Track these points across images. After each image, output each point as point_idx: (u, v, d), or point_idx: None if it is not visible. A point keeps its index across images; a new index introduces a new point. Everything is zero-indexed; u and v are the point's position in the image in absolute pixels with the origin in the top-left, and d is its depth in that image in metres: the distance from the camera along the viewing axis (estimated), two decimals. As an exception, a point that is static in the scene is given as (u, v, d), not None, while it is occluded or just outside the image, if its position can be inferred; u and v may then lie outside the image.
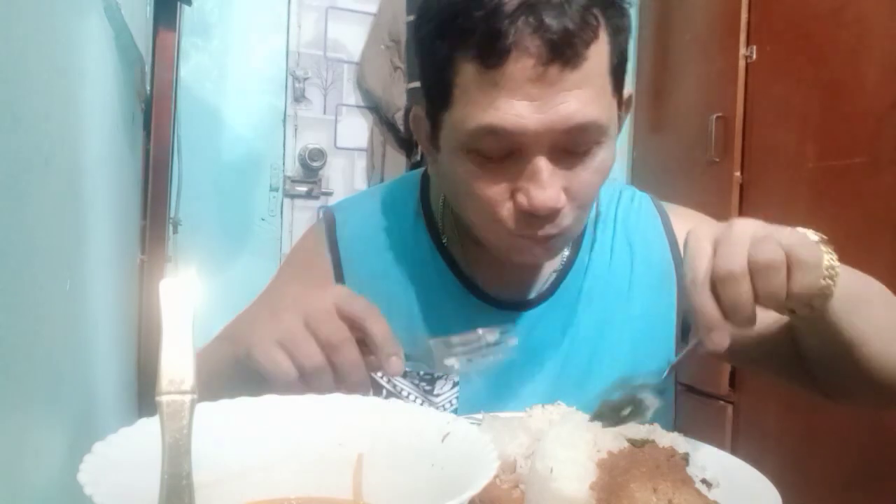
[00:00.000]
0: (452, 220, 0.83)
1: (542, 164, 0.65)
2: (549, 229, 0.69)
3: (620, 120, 0.74)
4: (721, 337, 0.57)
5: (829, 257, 0.59)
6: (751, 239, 0.56)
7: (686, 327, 0.84)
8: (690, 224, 0.84)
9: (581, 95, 0.64)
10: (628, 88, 0.73)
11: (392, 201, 0.87)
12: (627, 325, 0.82)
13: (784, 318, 0.76)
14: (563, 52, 0.62)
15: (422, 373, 0.79)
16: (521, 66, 0.62)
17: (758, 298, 0.57)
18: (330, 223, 0.86)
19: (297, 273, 0.87)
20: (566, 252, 0.83)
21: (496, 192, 0.68)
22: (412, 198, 0.86)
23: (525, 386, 0.80)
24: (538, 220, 0.68)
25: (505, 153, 0.66)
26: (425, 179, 0.88)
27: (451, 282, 0.82)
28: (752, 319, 0.57)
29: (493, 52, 0.62)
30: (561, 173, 0.67)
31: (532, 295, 0.82)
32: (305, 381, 0.58)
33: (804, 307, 0.61)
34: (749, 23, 2.09)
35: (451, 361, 0.64)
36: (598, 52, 0.64)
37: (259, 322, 0.61)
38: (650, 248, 0.84)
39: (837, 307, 0.63)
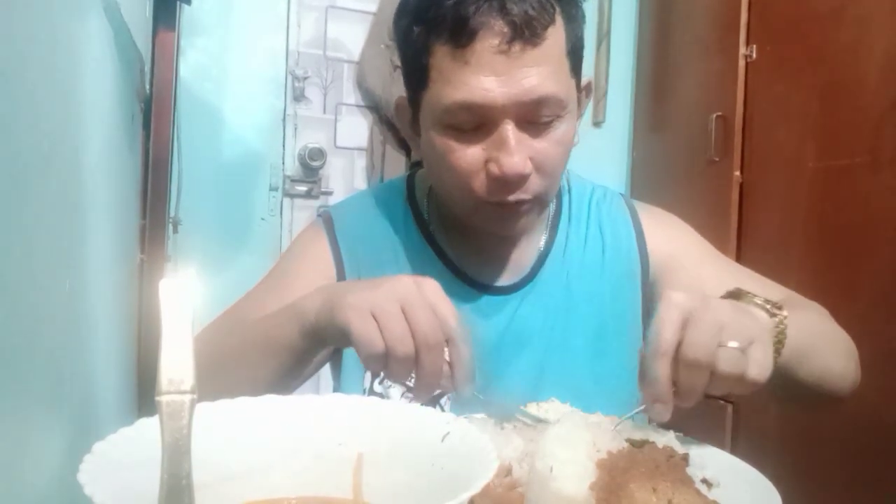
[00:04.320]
0: (437, 212, 0.91)
1: (510, 133, 0.73)
2: (519, 195, 0.76)
3: (581, 104, 0.83)
4: (665, 412, 0.60)
5: (779, 329, 0.65)
6: (717, 334, 0.58)
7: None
8: (658, 221, 0.95)
9: (541, 71, 0.72)
10: (587, 76, 0.83)
11: (382, 199, 0.94)
12: (597, 307, 0.89)
13: None
14: (524, 31, 0.70)
15: None
16: (487, 44, 0.70)
17: (709, 386, 0.60)
18: (327, 220, 0.92)
19: (300, 259, 0.92)
20: (543, 239, 0.91)
21: (470, 162, 0.75)
22: (400, 195, 0.94)
23: (511, 366, 0.86)
24: (508, 186, 0.75)
25: (476, 125, 0.74)
26: (411, 180, 0.95)
27: (440, 268, 0.88)
28: (694, 403, 0.61)
29: (462, 34, 0.71)
30: (527, 143, 0.74)
31: (514, 279, 0.89)
32: (387, 361, 0.61)
33: None
34: (749, 23, 2.09)
35: (508, 427, 0.66)
36: (556, 35, 0.73)
37: (353, 290, 0.64)
38: (619, 238, 0.92)
39: (786, 359, 0.67)
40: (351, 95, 2.42)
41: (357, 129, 2.43)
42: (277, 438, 0.49)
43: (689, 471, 0.56)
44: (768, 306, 0.67)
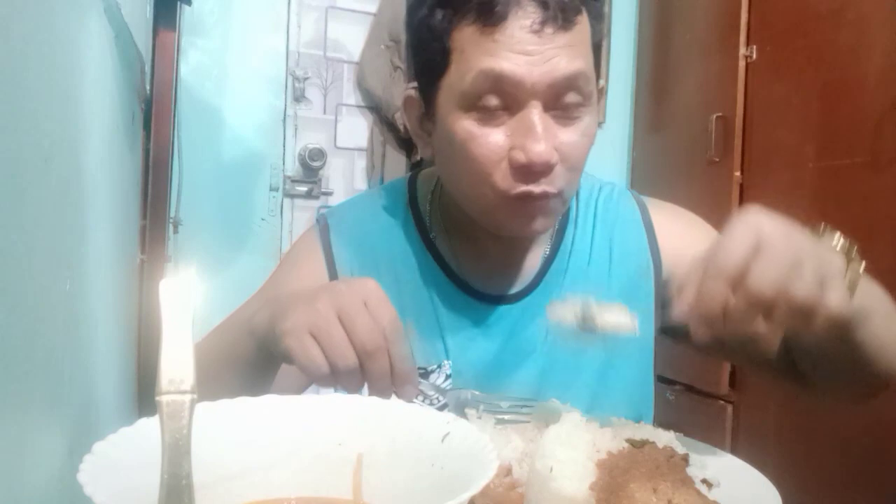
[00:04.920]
0: (440, 218, 0.88)
1: (537, 117, 0.70)
2: (543, 185, 0.72)
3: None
4: (707, 332, 0.56)
5: (853, 272, 0.59)
6: (793, 262, 0.54)
7: (665, 302, 0.86)
8: (669, 216, 0.91)
9: (571, 52, 0.70)
10: (601, 81, 0.80)
11: (381, 204, 0.90)
12: None
13: None
14: (556, 15, 0.69)
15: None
16: (518, 24, 0.68)
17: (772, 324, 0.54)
18: (324, 227, 0.89)
19: (294, 271, 0.89)
20: (549, 245, 0.87)
21: (492, 150, 0.71)
22: (401, 200, 0.90)
23: (512, 377, 0.83)
24: (533, 175, 0.71)
25: (502, 107, 0.71)
26: (412, 183, 0.91)
27: (441, 278, 0.85)
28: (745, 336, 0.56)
29: (492, 14, 0.68)
30: (554, 132, 0.71)
31: (516, 289, 0.85)
32: (335, 377, 0.60)
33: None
34: (749, 23, 2.09)
35: (472, 413, 0.67)
36: (583, 25, 0.72)
37: (291, 309, 0.62)
38: (628, 240, 0.88)
39: (848, 318, 0.62)
40: (351, 96, 2.42)
41: (357, 129, 2.43)
42: (277, 438, 0.49)
43: (689, 471, 0.56)
44: (848, 251, 0.62)
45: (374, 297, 0.61)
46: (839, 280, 0.56)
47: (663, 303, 0.87)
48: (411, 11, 0.77)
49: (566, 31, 0.69)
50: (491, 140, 0.71)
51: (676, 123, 2.45)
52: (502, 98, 0.70)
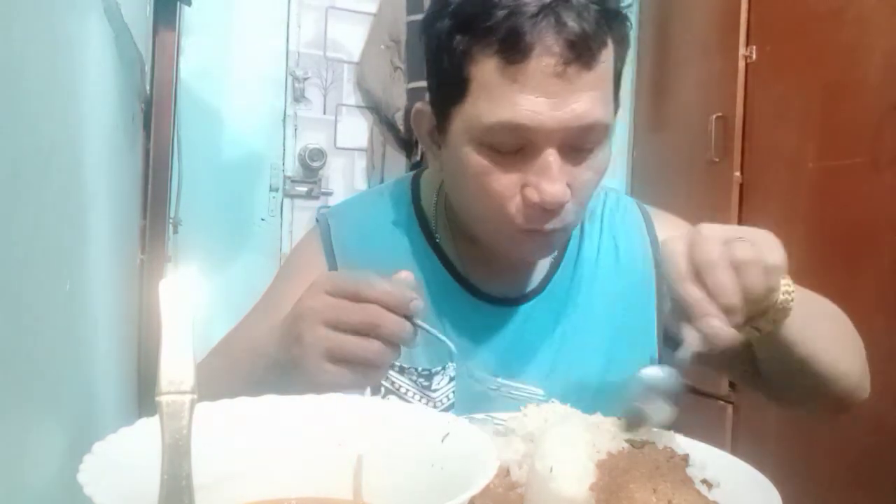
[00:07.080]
0: (445, 220, 0.87)
1: (553, 159, 0.69)
2: (554, 223, 0.73)
3: None
4: (718, 323, 0.60)
5: (785, 282, 0.66)
6: (722, 238, 0.61)
7: (668, 335, 0.88)
8: (672, 228, 0.90)
9: (593, 96, 0.69)
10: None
11: (385, 205, 0.89)
12: (610, 318, 0.86)
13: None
14: (582, 52, 0.66)
15: (420, 369, 0.82)
16: (542, 63, 0.66)
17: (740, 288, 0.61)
18: (325, 230, 0.88)
19: (295, 278, 0.86)
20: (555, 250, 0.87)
21: (505, 186, 0.71)
22: (405, 200, 0.89)
23: (518, 379, 0.80)
24: (545, 214, 0.72)
25: (516, 148, 0.70)
26: (415, 182, 0.91)
27: (446, 280, 0.85)
28: (738, 307, 0.60)
29: (515, 50, 0.66)
30: (567, 170, 0.71)
31: (523, 291, 0.86)
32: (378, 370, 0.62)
33: (767, 323, 0.67)
34: (749, 23, 2.09)
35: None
36: (607, 57, 0.70)
37: (294, 355, 0.62)
38: (633, 248, 0.89)
39: (793, 325, 0.68)
40: (351, 96, 2.43)
41: (357, 129, 2.43)
42: (278, 438, 0.49)
43: (689, 471, 0.56)
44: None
45: (330, 282, 0.62)
46: (774, 252, 0.63)
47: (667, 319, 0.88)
48: (427, 24, 0.74)
49: (590, 69, 0.68)
50: (505, 176, 0.71)
51: (676, 123, 2.45)
52: (518, 142, 0.70)
